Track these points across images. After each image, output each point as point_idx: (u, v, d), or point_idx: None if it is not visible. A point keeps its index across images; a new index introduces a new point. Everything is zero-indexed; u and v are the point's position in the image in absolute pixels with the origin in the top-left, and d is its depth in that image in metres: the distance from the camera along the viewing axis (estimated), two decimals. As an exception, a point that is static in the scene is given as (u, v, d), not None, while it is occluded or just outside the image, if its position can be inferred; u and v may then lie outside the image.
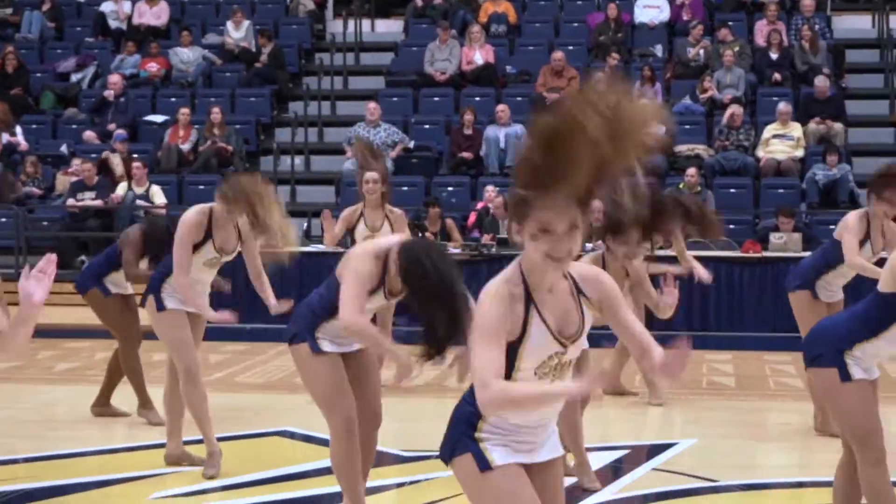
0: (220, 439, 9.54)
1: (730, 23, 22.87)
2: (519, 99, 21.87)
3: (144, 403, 10.27)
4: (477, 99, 21.94)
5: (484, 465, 4.23)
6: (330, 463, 6.77)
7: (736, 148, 20.21)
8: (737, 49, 22.01)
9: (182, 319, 8.38)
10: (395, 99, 22.26)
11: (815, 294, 9.80)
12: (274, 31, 23.81)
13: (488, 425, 4.25)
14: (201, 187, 20.22)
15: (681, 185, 18.96)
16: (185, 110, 21.43)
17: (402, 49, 23.94)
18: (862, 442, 5.94)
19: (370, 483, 8.14)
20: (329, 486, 8.17)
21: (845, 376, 5.89)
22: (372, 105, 20.80)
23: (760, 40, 22.79)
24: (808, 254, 16.39)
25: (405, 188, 19.52)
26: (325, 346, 6.62)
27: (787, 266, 16.30)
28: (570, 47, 23.06)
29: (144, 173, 19.88)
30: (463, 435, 4.28)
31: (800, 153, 20.17)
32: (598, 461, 8.73)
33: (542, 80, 22.00)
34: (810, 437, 9.78)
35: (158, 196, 19.83)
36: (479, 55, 22.67)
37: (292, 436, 9.86)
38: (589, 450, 8.95)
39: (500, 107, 20.75)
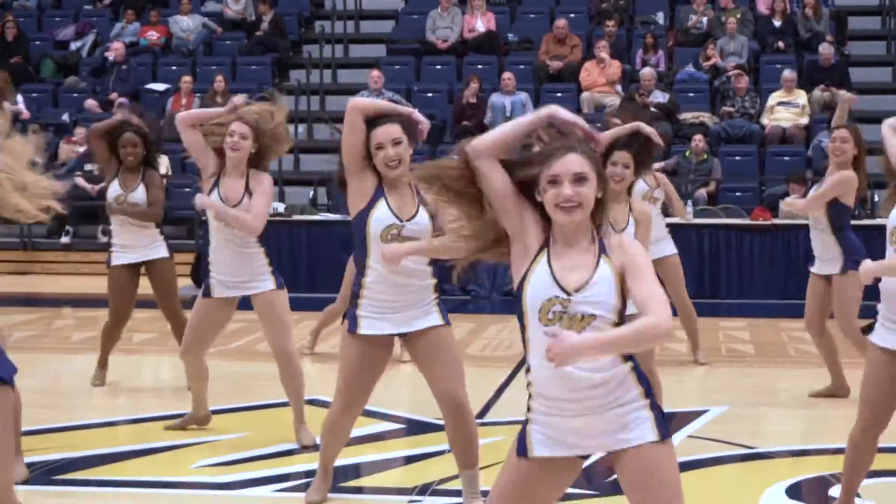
0: (255, 408, 9.61)
1: (732, -10, 22.83)
2: (521, 67, 21.82)
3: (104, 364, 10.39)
4: (479, 67, 21.85)
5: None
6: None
7: (741, 115, 20.19)
8: (739, 16, 21.98)
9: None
10: (396, 67, 22.18)
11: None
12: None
13: None
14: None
15: (687, 153, 18.96)
16: (187, 79, 21.35)
17: (402, 17, 23.86)
18: None
19: (400, 453, 8.18)
20: (364, 454, 8.21)
21: None
22: (375, 73, 20.71)
23: (762, 7, 22.76)
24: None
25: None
26: (364, 327, 6.51)
27: (798, 232, 16.35)
28: (572, 15, 23.01)
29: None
30: None
31: (805, 120, 20.15)
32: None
33: (545, 48, 21.95)
34: (841, 402, 9.81)
35: (164, 165, 19.72)
36: (481, 23, 22.59)
37: (322, 404, 9.80)
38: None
39: (506, 75, 20.67)
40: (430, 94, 21.59)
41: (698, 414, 9.41)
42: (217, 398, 9.82)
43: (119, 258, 10.09)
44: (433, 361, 6.51)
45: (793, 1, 22.68)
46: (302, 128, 21.49)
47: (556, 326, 4.18)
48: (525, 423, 4.35)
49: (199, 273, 17.21)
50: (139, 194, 9.98)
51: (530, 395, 4.33)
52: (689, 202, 17.11)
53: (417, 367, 6.67)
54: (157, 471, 7.79)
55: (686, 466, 7.85)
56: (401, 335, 6.55)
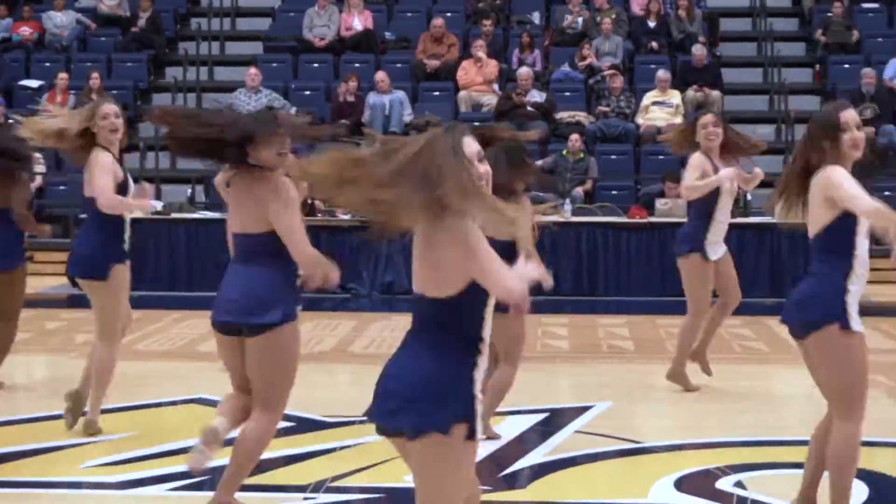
0: (137, 407, 9.56)
1: (606, -10, 23.09)
2: (399, 65, 21.90)
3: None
4: (357, 65, 21.88)
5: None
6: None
7: (616, 115, 20.46)
8: (614, 17, 22.26)
9: None
10: (274, 65, 22.13)
11: (705, 255, 10.05)
12: (149, -5, 23.53)
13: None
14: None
15: (563, 152, 19.15)
16: (63, 75, 21.11)
17: (279, 14, 23.81)
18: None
19: (291, 451, 8.20)
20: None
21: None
22: (253, 71, 20.66)
23: (636, 8, 23.06)
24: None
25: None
26: None
27: (674, 231, 16.61)
28: (449, 14, 23.12)
29: (22, 139, 19.52)
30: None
31: (678, 120, 20.42)
32: (521, 424, 8.86)
33: (422, 47, 22.04)
34: (720, 396, 10.03)
35: (38, 163, 19.47)
36: (358, 21, 22.62)
37: (207, 402, 9.78)
38: (511, 413, 9.11)
39: (380, 75, 20.72)
40: (307, 92, 21.57)
41: (583, 409, 9.54)
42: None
43: None
44: None
45: (666, 2, 23.02)
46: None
47: None
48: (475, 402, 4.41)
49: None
50: None
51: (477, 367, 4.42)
52: (567, 201, 17.30)
53: None
54: (45, 471, 7.73)
55: (574, 461, 8.01)
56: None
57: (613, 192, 19.00)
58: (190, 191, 19.09)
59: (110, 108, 8.25)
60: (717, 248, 10.09)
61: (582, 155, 19.00)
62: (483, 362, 4.43)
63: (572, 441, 8.52)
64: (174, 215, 17.13)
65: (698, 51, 21.20)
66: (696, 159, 9.97)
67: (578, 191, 18.63)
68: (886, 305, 14.72)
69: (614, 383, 10.76)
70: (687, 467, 7.87)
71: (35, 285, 17.43)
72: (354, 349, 12.70)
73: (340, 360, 12.03)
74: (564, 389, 10.76)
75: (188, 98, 21.82)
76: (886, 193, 16.49)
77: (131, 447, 8.25)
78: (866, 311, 6.21)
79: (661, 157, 19.86)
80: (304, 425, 8.96)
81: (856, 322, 6.01)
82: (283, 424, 8.90)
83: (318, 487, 7.26)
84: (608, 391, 10.31)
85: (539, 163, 18.81)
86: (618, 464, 8.11)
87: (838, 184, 5.96)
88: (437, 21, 22.04)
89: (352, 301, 16.51)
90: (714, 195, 9.94)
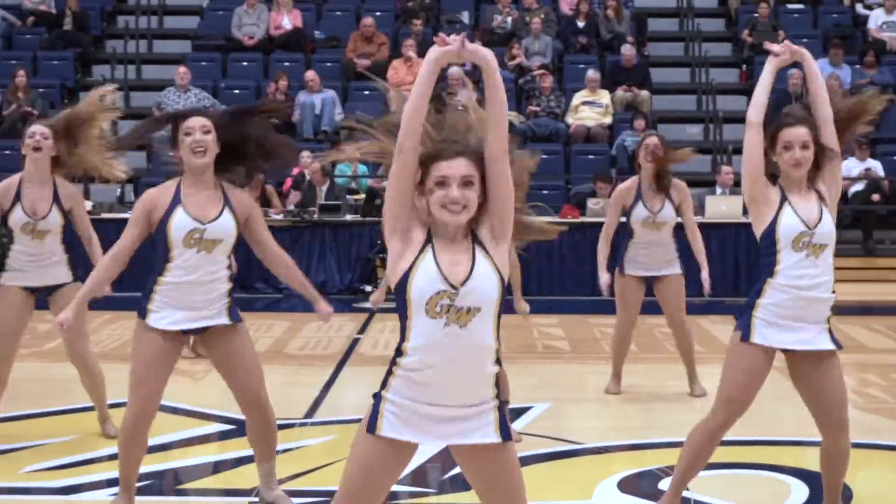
0: (74, 411, 9.46)
1: (535, -10, 23.16)
2: (329, 64, 21.86)
3: None
4: (287, 64, 21.82)
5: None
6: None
7: (547, 114, 20.53)
8: (543, 16, 22.33)
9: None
10: (203, 63, 22.02)
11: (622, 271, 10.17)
12: (75, -8, 23.33)
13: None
14: (7, 152, 19.75)
15: (495, 151, 19.18)
16: (-13, 73, 20.89)
17: (207, 13, 23.69)
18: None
19: (234, 454, 8.16)
20: (201, 455, 8.21)
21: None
22: (182, 69, 20.54)
23: (565, 7, 23.16)
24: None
25: (218, 154, 19.31)
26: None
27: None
28: (378, 13, 23.10)
29: (-52, 138, 19.35)
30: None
31: (608, 120, 20.58)
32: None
33: (352, 46, 22.02)
34: (660, 396, 10.10)
35: (-37, 162, 19.31)
36: (288, 20, 22.55)
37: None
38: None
39: (309, 74, 20.69)
40: (237, 91, 21.47)
41: (523, 410, 9.56)
42: (37, 401, 9.74)
43: None
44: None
45: (595, 2, 23.12)
46: (106, 124, 21.10)
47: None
48: (379, 400, 4.49)
49: None
50: None
51: (393, 374, 4.46)
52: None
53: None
54: (-14, 476, 7.66)
55: (523, 462, 8.02)
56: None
57: (544, 192, 19.03)
58: (119, 190, 18.90)
59: (35, 127, 8.15)
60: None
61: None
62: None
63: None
64: (104, 215, 16.98)
65: (627, 51, 21.33)
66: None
67: (509, 190, 18.65)
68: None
69: (552, 383, 10.81)
70: (629, 468, 7.92)
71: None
72: (290, 349, 12.67)
73: (277, 361, 11.98)
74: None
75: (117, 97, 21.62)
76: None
77: (71, 451, 8.19)
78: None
79: (590, 156, 19.99)
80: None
81: (758, 335, 6.14)
82: (222, 427, 8.94)
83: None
84: (546, 391, 10.36)
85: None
86: (560, 465, 8.14)
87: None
88: (368, 20, 22.02)
89: (284, 301, 16.47)
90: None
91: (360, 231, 16.98)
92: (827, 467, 6.36)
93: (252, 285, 16.36)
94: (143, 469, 7.65)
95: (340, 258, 16.92)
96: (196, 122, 6.37)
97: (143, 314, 6.44)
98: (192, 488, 7.50)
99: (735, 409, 6.29)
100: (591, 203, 17.09)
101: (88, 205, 17.55)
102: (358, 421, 4.55)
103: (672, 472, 7.69)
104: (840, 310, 6.37)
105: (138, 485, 7.30)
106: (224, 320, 6.57)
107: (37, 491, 7.36)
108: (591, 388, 10.66)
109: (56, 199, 8.14)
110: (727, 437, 8.32)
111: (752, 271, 16.98)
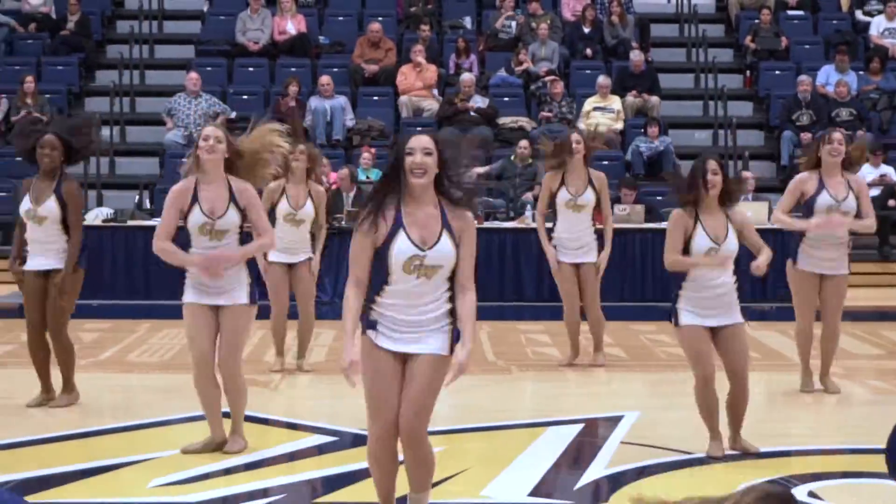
0: (173, 422, 9.37)
1: (538, -4, 23.12)
2: (335, 70, 21.77)
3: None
4: (293, 69, 21.72)
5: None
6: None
7: (559, 120, 20.54)
8: (549, 22, 22.35)
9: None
10: (208, 69, 21.87)
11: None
12: (73, -3, 23.10)
13: None
14: (18, 159, 19.55)
15: (511, 158, 19.20)
16: (-8, 79, 20.70)
17: (209, 17, 23.55)
18: None
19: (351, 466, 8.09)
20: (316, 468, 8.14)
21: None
22: (193, 75, 20.42)
23: (567, 14, 23.18)
24: (650, 225, 16.93)
25: (232, 160, 19.17)
26: None
27: (634, 237, 16.76)
28: (381, 18, 23.02)
29: (-42, 146, 19.15)
30: None
31: (620, 125, 20.62)
32: (559, 437, 8.87)
33: (359, 51, 21.95)
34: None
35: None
36: (291, 25, 22.46)
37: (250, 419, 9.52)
38: (546, 424, 9.14)
39: (325, 79, 20.63)
40: (245, 97, 21.36)
41: (616, 419, 9.51)
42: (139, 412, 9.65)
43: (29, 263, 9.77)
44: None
45: (599, 7, 23.15)
46: (116, 130, 21.00)
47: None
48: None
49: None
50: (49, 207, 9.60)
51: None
52: (529, 206, 17.34)
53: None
54: (113, 491, 7.52)
55: (644, 472, 8.00)
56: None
57: (562, 198, 19.00)
58: (137, 197, 18.76)
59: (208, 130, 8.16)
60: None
61: (531, 160, 19.04)
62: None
63: (624, 452, 8.50)
64: (130, 223, 16.85)
65: (636, 56, 21.38)
66: None
67: (528, 196, 18.66)
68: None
69: (627, 392, 10.81)
70: (752, 478, 7.86)
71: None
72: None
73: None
74: (583, 399, 10.78)
75: (123, 102, 21.49)
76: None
77: (185, 465, 8.03)
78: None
79: (605, 162, 19.97)
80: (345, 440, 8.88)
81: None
82: (326, 440, 8.87)
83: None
84: (627, 401, 10.33)
85: (486, 168, 18.87)
86: (678, 477, 8.08)
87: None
88: (374, 26, 21.96)
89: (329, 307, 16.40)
90: None
91: (388, 238, 16.89)
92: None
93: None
94: (269, 483, 7.65)
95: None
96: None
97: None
98: (326, 502, 7.42)
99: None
100: (618, 209, 17.08)
101: (106, 212, 17.45)
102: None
103: (799, 481, 7.74)
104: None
105: (272, 499, 7.27)
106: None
107: (172, 507, 7.24)
108: (663, 395, 10.65)
109: (232, 198, 8.08)
110: (851, 445, 8.36)
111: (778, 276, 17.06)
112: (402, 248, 5.88)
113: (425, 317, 6.01)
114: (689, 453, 8.50)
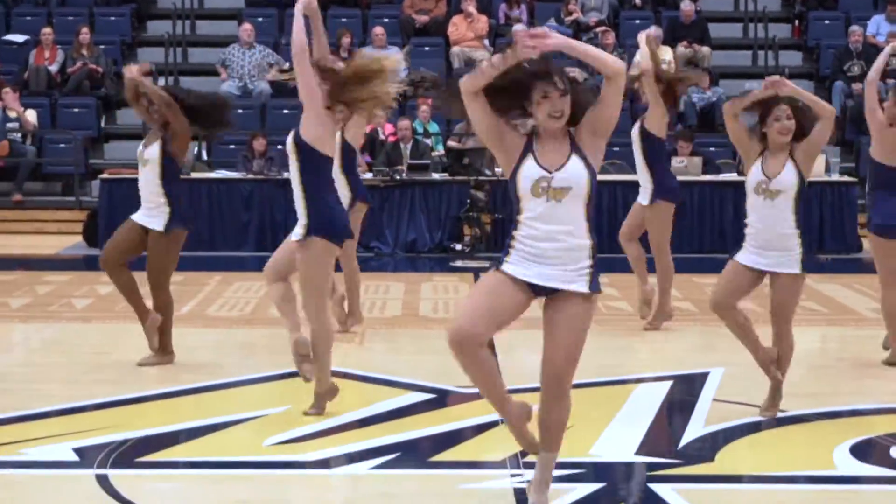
0: (278, 377, 9.50)
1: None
2: (386, 20, 21.85)
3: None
4: (343, 20, 21.81)
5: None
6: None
7: (610, 71, 20.55)
8: (598, -29, 22.38)
9: None
10: (260, 19, 21.96)
11: None
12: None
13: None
14: (76, 110, 19.79)
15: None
16: (46, 30, 20.85)
17: (258, -32, 23.62)
18: None
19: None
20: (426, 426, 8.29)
21: None
22: (247, 26, 20.53)
23: (617, -37, 23.21)
24: (708, 178, 17.04)
25: (286, 111, 19.29)
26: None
27: (692, 189, 16.82)
28: (429, -34, 23.06)
29: (16, 97, 19.31)
30: None
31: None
32: (651, 394, 9.05)
33: (410, 2, 22.01)
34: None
35: (33, 120, 19.31)
36: (343, -25, 22.52)
37: (350, 376, 9.61)
38: (636, 381, 9.36)
39: (377, 29, 20.72)
40: (297, 48, 21.38)
41: (702, 376, 9.64)
42: (232, 369, 9.81)
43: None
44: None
45: (646, -43, 23.16)
46: (170, 80, 21.13)
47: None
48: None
49: (91, 230, 16.91)
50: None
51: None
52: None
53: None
54: (229, 450, 7.66)
55: (747, 430, 8.15)
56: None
57: (616, 149, 19.08)
58: (196, 148, 18.91)
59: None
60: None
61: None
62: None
63: (720, 411, 8.62)
64: (194, 175, 17.01)
65: (687, 6, 21.41)
66: None
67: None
68: None
69: (706, 347, 11.00)
70: (851, 437, 7.95)
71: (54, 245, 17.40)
72: (424, 311, 12.77)
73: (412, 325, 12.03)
74: (654, 355, 10.94)
75: (177, 52, 21.63)
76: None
77: (296, 423, 8.12)
78: None
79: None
80: (446, 397, 9.02)
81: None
82: (426, 397, 9.02)
83: (515, 462, 7.28)
84: (716, 356, 10.44)
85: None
86: (778, 434, 8.22)
87: None
88: (426, -23, 22.03)
89: (374, 259, 16.58)
90: None
91: (448, 190, 17.02)
92: None
93: (368, 244, 16.37)
94: (392, 438, 7.79)
95: (430, 217, 16.97)
96: None
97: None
98: (442, 461, 7.54)
99: None
100: (675, 161, 17.17)
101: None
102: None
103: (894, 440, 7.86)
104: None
105: (392, 456, 7.41)
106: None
107: (296, 465, 7.29)
108: (742, 350, 10.75)
109: None
110: None
111: (835, 228, 17.19)
112: (529, 172, 5.91)
113: (562, 244, 5.89)
114: (783, 411, 8.63)
